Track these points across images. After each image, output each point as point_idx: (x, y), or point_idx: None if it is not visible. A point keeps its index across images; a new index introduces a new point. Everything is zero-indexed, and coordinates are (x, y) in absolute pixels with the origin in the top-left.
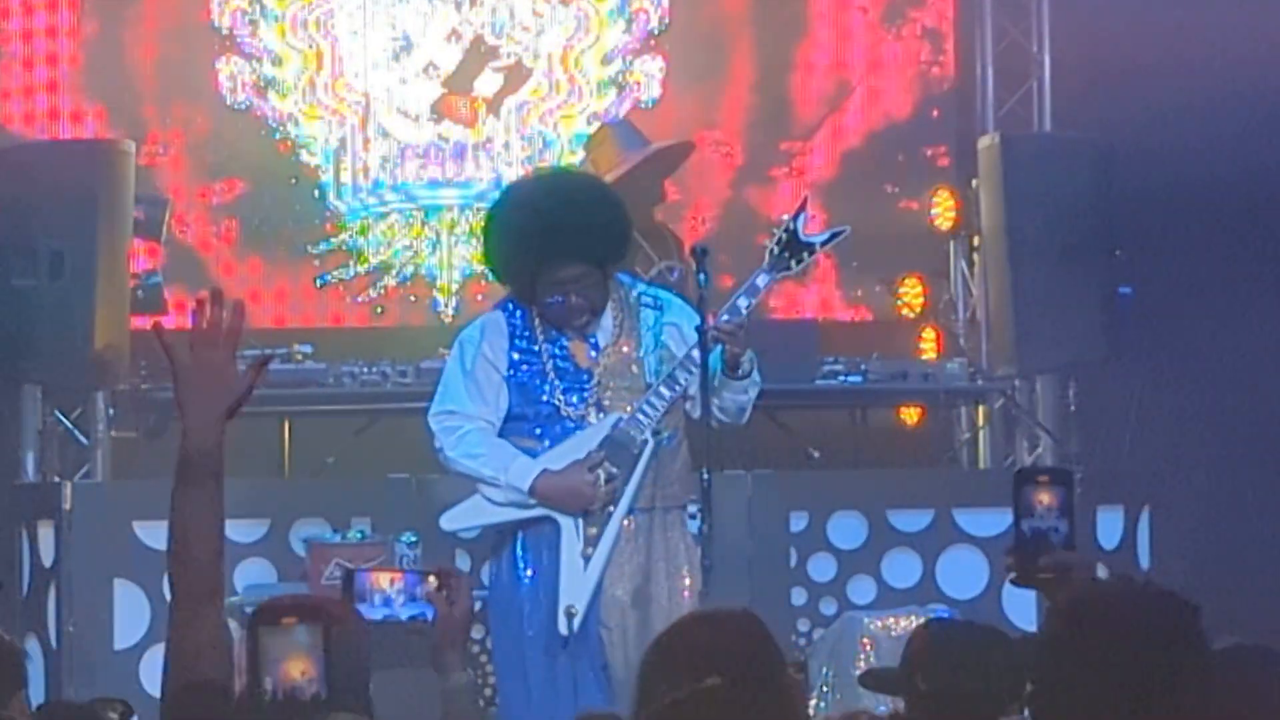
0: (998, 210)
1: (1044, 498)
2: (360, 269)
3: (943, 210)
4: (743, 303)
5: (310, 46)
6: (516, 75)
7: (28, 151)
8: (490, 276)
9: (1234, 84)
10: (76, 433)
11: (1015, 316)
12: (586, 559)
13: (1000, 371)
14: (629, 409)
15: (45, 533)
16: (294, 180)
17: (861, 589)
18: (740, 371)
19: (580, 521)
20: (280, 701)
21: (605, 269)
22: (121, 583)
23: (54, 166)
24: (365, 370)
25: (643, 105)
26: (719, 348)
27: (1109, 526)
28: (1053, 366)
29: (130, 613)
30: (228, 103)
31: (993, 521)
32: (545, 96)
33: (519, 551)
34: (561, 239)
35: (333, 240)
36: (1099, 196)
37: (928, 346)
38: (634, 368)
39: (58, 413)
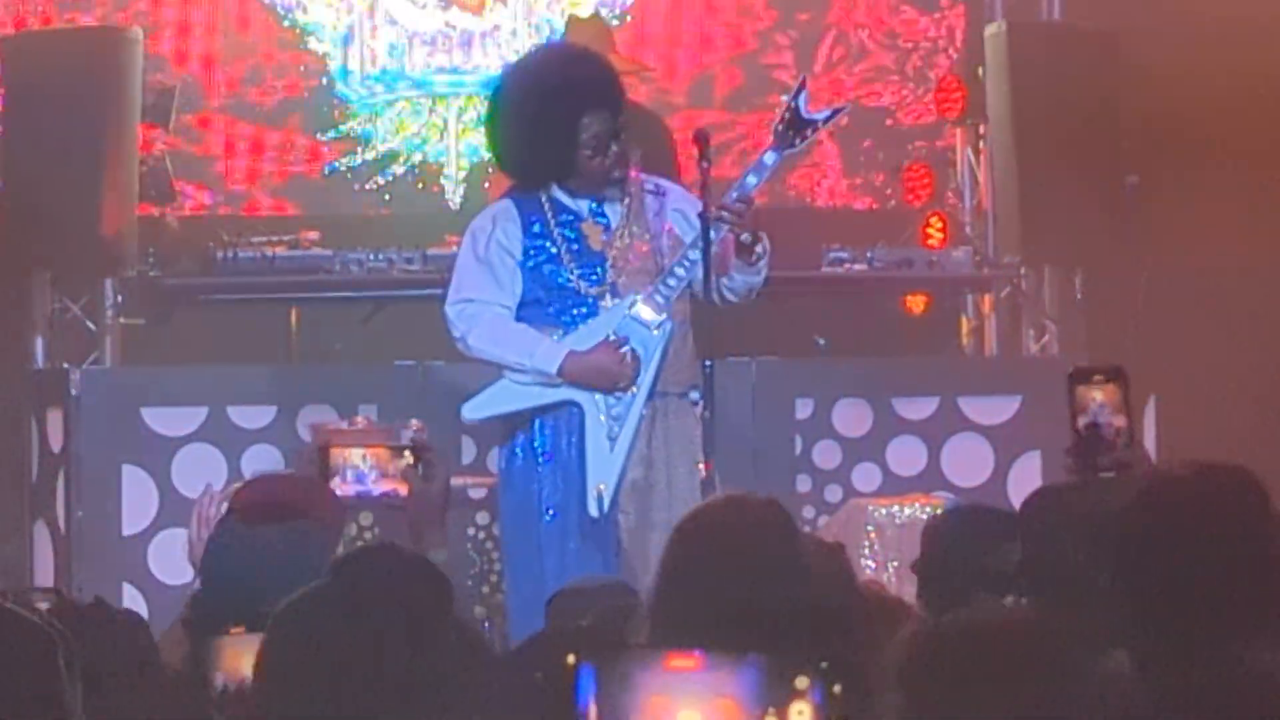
0: (1004, 99)
1: (1097, 395)
2: (368, 157)
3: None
4: (751, 180)
5: None
6: None
7: (36, 39)
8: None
9: None
10: (85, 319)
11: (1022, 205)
12: (613, 440)
13: (1006, 260)
14: (643, 292)
15: (54, 418)
16: (302, 68)
17: (866, 476)
18: (755, 254)
19: (604, 402)
20: (231, 696)
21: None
22: (130, 468)
23: (62, 54)
24: (372, 258)
25: None
26: (725, 228)
27: None
28: (1059, 255)
29: (138, 498)
30: None
31: (998, 408)
32: None
33: (537, 435)
34: (603, 88)
35: (340, 128)
36: (1106, 86)
37: (934, 234)
38: (645, 250)
39: (66, 299)
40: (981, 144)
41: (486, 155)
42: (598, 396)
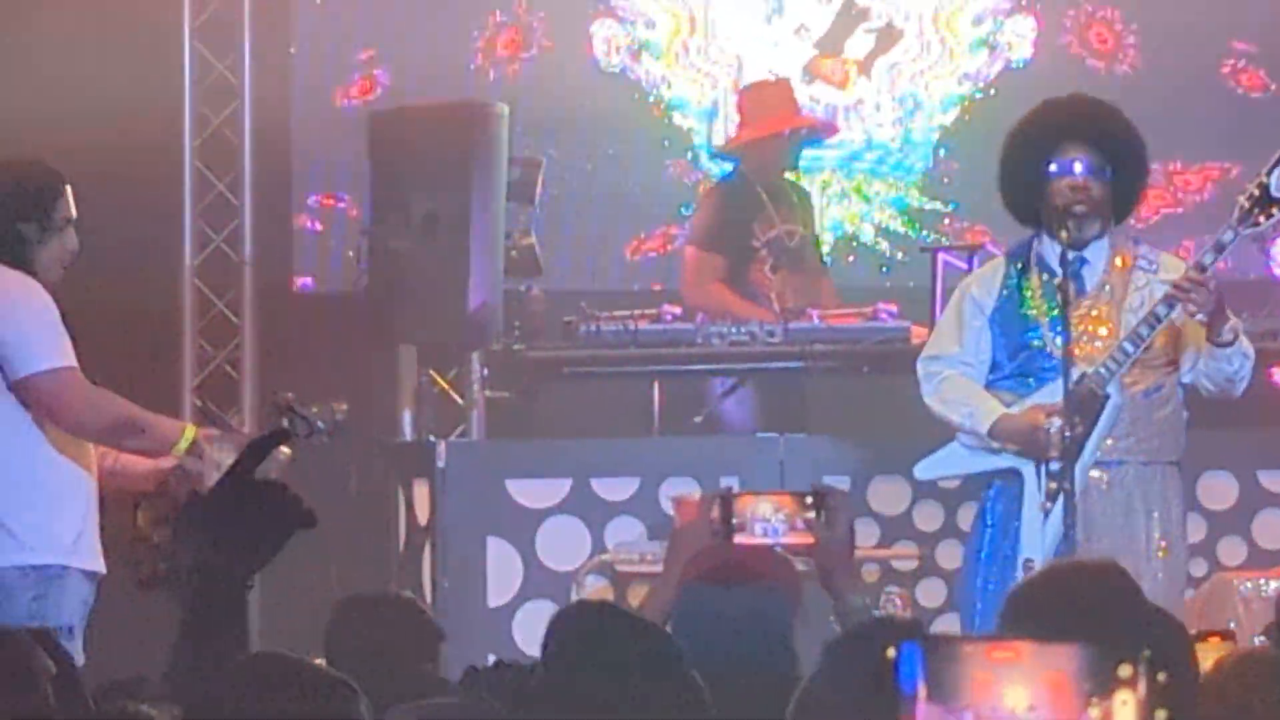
0: None
1: None
2: None
3: None
4: (1207, 259)
5: (684, 9)
6: (887, 36)
7: (403, 115)
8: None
9: None
10: (452, 393)
11: None
12: (1046, 513)
13: None
14: (1094, 363)
15: (420, 491)
16: (666, 143)
17: (1232, 550)
18: (1220, 338)
19: (1042, 474)
20: None
21: (1115, 178)
22: (495, 540)
23: (428, 128)
24: (735, 331)
25: (1013, 66)
26: (1175, 304)
27: None
28: None
29: (503, 570)
30: (602, 66)
31: None
32: (916, 57)
33: (989, 502)
34: (1085, 119)
35: None
36: None
37: None
38: (1115, 318)
39: (433, 373)
40: None
41: (851, 228)
42: (1035, 467)
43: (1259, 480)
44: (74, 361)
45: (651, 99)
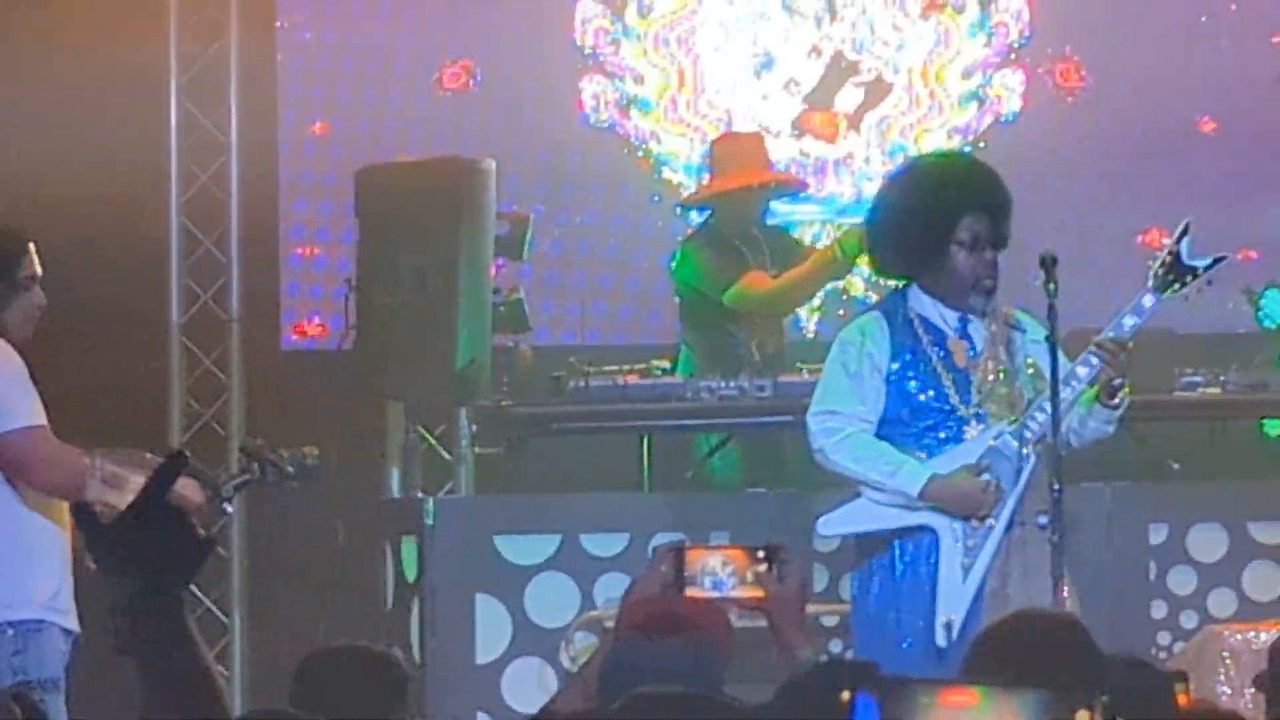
0: None
1: None
2: None
3: None
4: (1128, 321)
5: (672, 64)
6: (877, 90)
7: (390, 170)
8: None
9: None
10: (440, 449)
11: None
12: (965, 570)
13: None
14: (1006, 420)
15: (408, 547)
16: (656, 198)
17: (1222, 601)
18: (1116, 400)
19: (961, 530)
20: None
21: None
22: (483, 597)
23: (416, 184)
24: (724, 385)
25: (1003, 120)
26: (1097, 365)
27: None
28: None
29: (492, 627)
30: (590, 121)
31: None
32: (906, 111)
33: (896, 560)
34: (988, 191)
35: None
36: None
37: None
38: (1007, 379)
39: (421, 429)
40: None
41: (840, 284)
42: (955, 524)
43: (1249, 532)
44: (44, 420)
45: (640, 154)
